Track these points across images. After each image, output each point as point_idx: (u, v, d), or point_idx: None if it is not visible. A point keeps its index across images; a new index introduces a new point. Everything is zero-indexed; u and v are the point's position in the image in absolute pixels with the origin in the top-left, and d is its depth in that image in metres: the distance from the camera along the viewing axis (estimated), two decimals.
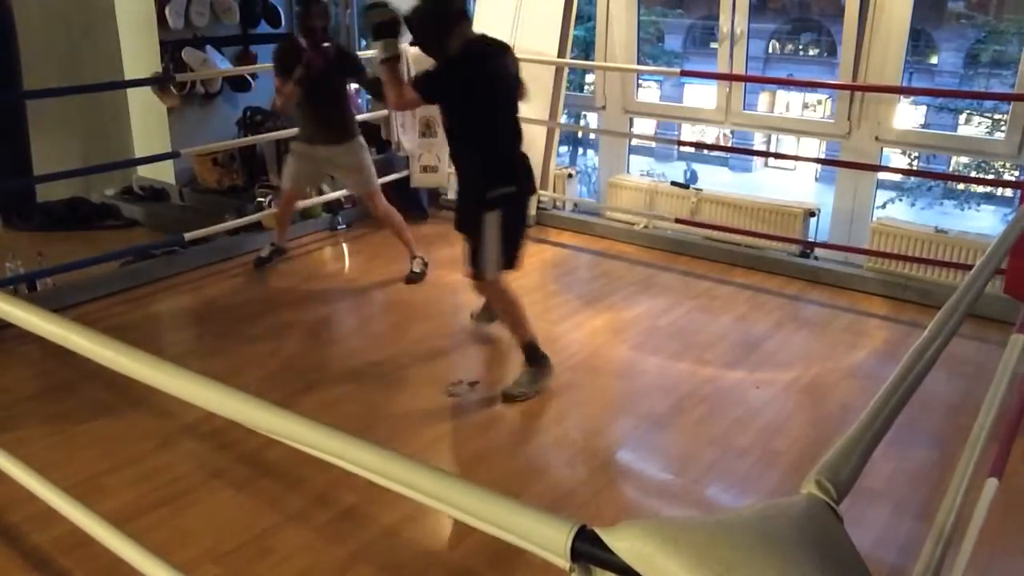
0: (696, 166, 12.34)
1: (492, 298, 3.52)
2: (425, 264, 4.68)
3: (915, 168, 8.85)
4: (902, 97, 4.79)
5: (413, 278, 4.60)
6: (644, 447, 3.20)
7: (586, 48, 7.34)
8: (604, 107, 5.54)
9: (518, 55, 5.39)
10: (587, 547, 0.94)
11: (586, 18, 6.65)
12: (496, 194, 3.26)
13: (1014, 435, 2.55)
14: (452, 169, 5.76)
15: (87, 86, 5.21)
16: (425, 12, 3.24)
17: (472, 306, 4.06)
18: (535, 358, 3.41)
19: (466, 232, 3.38)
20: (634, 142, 6.18)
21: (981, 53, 10.53)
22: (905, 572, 2.41)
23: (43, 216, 5.30)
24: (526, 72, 5.42)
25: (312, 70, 4.22)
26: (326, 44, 4.34)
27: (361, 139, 4.53)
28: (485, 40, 3.35)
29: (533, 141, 5.48)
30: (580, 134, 10.30)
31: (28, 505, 2.25)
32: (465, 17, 3.30)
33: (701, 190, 5.16)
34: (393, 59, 3.33)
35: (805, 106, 13.11)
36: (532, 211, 5.11)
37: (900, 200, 9.87)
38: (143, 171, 5.69)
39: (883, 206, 9.20)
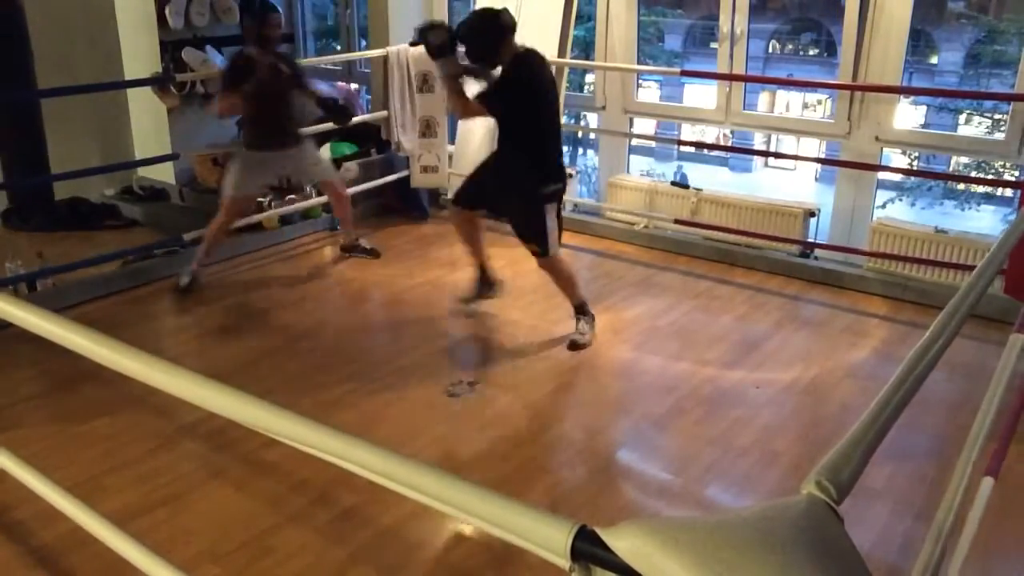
0: (695, 166, 12.34)
1: (557, 270, 3.91)
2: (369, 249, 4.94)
3: (915, 168, 8.86)
4: (902, 97, 4.79)
5: (354, 248, 4.95)
6: (644, 447, 3.20)
7: (586, 48, 7.34)
8: (604, 107, 5.54)
9: None
10: (587, 547, 0.94)
11: (586, 18, 6.65)
12: (550, 190, 3.73)
13: (1011, 435, 2.56)
14: (452, 169, 5.78)
15: (87, 86, 5.21)
16: (479, 26, 3.65)
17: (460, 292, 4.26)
18: (587, 312, 3.94)
19: (522, 221, 3.83)
20: (634, 142, 6.18)
21: (981, 53, 10.53)
22: (905, 571, 2.41)
23: (43, 216, 5.30)
24: None
25: (268, 81, 4.24)
26: (279, 53, 4.40)
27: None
28: (530, 51, 3.69)
29: None
30: (580, 134, 10.30)
31: (33, 503, 2.25)
32: (513, 30, 3.64)
33: (701, 190, 5.16)
34: (455, 75, 3.71)
35: (805, 106, 13.12)
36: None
37: (900, 200, 9.87)
38: (143, 171, 5.69)
39: (883, 206, 9.20)
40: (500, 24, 3.59)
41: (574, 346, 3.84)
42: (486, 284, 4.20)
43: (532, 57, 3.67)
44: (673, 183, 5.25)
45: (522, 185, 3.73)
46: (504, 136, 3.77)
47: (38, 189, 5.26)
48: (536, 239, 3.79)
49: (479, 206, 4.00)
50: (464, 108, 3.71)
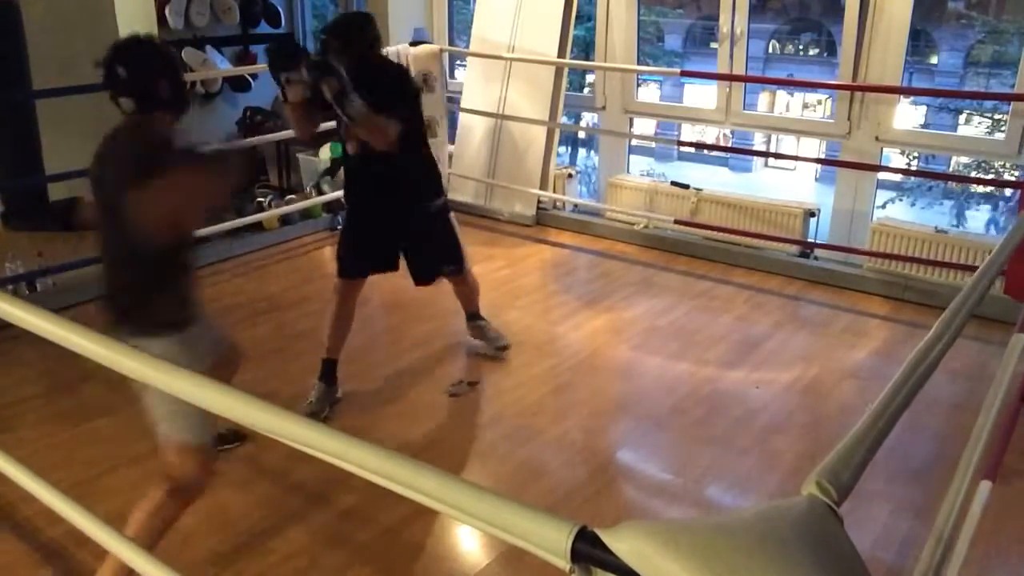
0: (695, 166, 12.33)
1: (469, 282, 3.68)
2: None
3: (915, 168, 8.84)
4: (902, 97, 4.79)
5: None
6: (644, 447, 3.20)
7: (586, 48, 7.33)
8: (604, 107, 5.54)
9: (518, 55, 5.42)
10: (587, 548, 0.93)
11: (586, 18, 6.64)
12: (444, 196, 3.53)
13: (1008, 437, 2.56)
14: (452, 169, 5.78)
15: (87, 86, 5.18)
16: (359, 18, 3.29)
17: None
18: (481, 317, 3.79)
19: (438, 243, 3.47)
20: (634, 142, 6.17)
21: (981, 53, 10.52)
22: (905, 572, 2.41)
23: (43, 216, 5.30)
24: (527, 72, 5.45)
25: None
26: None
27: None
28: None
29: (533, 141, 5.49)
30: (580, 134, 10.29)
31: (37, 500, 2.25)
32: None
33: (701, 190, 5.15)
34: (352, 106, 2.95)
35: (805, 106, 13.10)
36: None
37: (900, 200, 9.86)
38: None
39: (883, 206, 9.18)
40: (372, 19, 3.25)
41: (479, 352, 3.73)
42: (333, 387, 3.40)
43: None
44: (674, 183, 5.25)
45: (429, 201, 3.38)
46: (403, 148, 3.11)
47: (32, 190, 5.25)
48: (452, 256, 3.49)
49: (377, 267, 3.45)
50: (386, 135, 3.00)
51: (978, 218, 9.97)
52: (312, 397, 3.29)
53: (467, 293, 3.74)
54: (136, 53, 2.20)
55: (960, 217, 9.79)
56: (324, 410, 3.27)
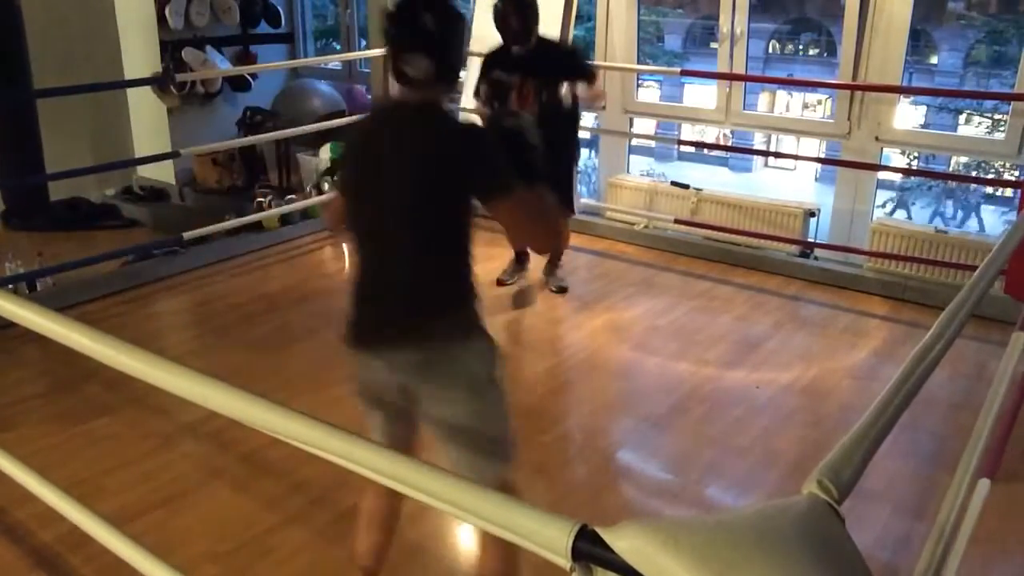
0: (695, 166, 12.33)
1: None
2: None
3: (915, 168, 8.84)
4: (902, 97, 4.79)
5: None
6: (644, 447, 3.20)
7: (586, 48, 7.33)
8: (604, 107, 5.53)
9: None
10: (588, 546, 0.94)
11: (586, 18, 6.64)
12: None
13: (1007, 436, 2.56)
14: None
15: (87, 86, 5.21)
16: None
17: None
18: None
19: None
20: (634, 142, 6.17)
21: (981, 53, 10.53)
22: (905, 571, 2.41)
23: (43, 216, 5.30)
24: None
25: None
26: None
27: None
28: None
29: None
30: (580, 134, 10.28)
31: (33, 503, 2.25)
32: None
33: (701, 190, 5.16)
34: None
35: (805, 106, 13.10)
36: None
37: (900, 208, 9.89)
38: (143, 171, 5.69)
39: (883, 205, 9.18)
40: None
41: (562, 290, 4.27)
42: None
43: None
44: (674, 183, 5.25)
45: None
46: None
47: (34, 189, 5.25)
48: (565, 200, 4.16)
49: None
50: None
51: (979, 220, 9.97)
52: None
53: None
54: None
55: (964, 220, 9.80)
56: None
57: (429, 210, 1.78)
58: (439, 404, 1.84)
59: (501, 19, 3.94)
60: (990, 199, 10.06)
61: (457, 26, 1.78)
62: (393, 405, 1.92)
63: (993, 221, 9.74)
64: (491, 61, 4.07)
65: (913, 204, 10.16)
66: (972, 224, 9.75)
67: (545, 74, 3.95)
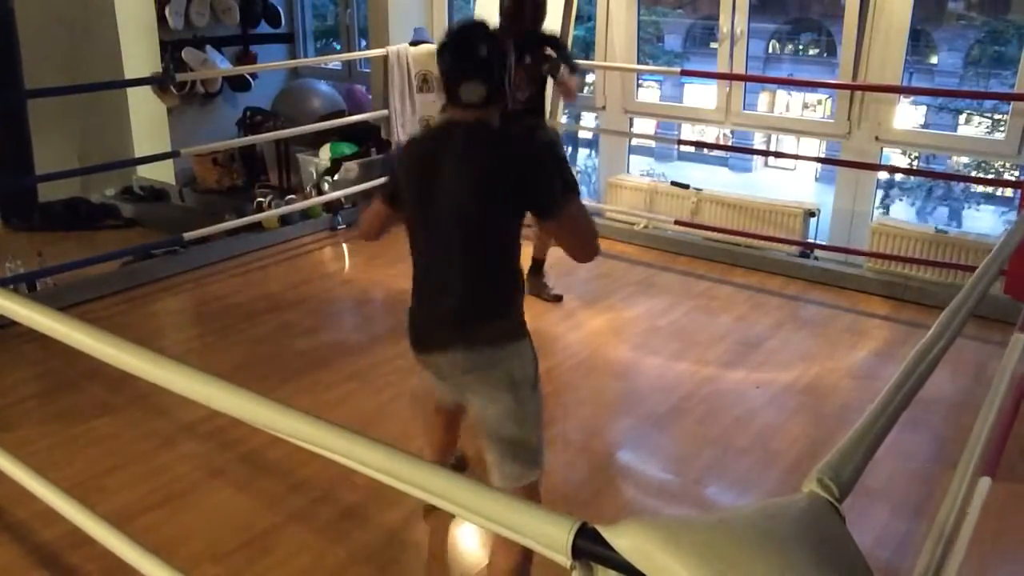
0: (695, 166, 12.33)
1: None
2: None
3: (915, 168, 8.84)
4: (902, 97, 4.79)
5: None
6: (644, 447, 3.20)
7: (586, 48, 7.33)
8: (604, 107, 5.54)
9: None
10: (588, 544, 0.94)
11: (586, 18, 6.64)
12: None
13: (1007, 435, 2.56)
14: None
15: (87, 85, 5.21)
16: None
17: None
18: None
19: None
20: (634, 142, 6.17)
21: (981, 53, 10.52)
22: (905, 571, 2.41)
23: (43, 216, 5.30)
24: None
25: None
26: None
27: None
28: None
29: None
30: (580, 134, 10.28)
31: (33, 502, 2.25)
32: None
33: (701, 190, 5.16)
34: None
35: (805, 106, 13.09)
36: None
37: (901, 200, 9.86)
38: (143, 171, 5.69)
39: (883, 206, 9.16)
40: None
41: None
42: None
43: None
44: (674, 183, 5.25)
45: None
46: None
47: (25, 190, 5.25)
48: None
49: None
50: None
51: (980, 218, 9.96)
52: None
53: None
54: (492, 36, 1.98)
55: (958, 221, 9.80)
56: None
57: (486, 225, 1.95)
58: (485, 403, 1.98)
59: (516, 6, 3.77)
60: (990, 199, 10.06)
61: (505, 56, 1.97)
62: (442, 384, 2.15)
63: (980, 221, 9.74)
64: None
65: (912, 204, 10.16)
66: (968, 224, 9.74)
67: (537, 62, 3.86)
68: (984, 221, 9.85)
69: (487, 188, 1.92)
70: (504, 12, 3.80)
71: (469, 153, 1.93)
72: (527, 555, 1.94)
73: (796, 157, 9.03)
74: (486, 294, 2.00)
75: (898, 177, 9.34)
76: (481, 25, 2.01)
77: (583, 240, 2.06)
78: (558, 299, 4.36)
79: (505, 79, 1.98)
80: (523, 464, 1.98)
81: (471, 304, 1.99)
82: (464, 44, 1.95)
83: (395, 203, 2.11)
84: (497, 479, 1.98)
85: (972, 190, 10.08)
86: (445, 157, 1.94)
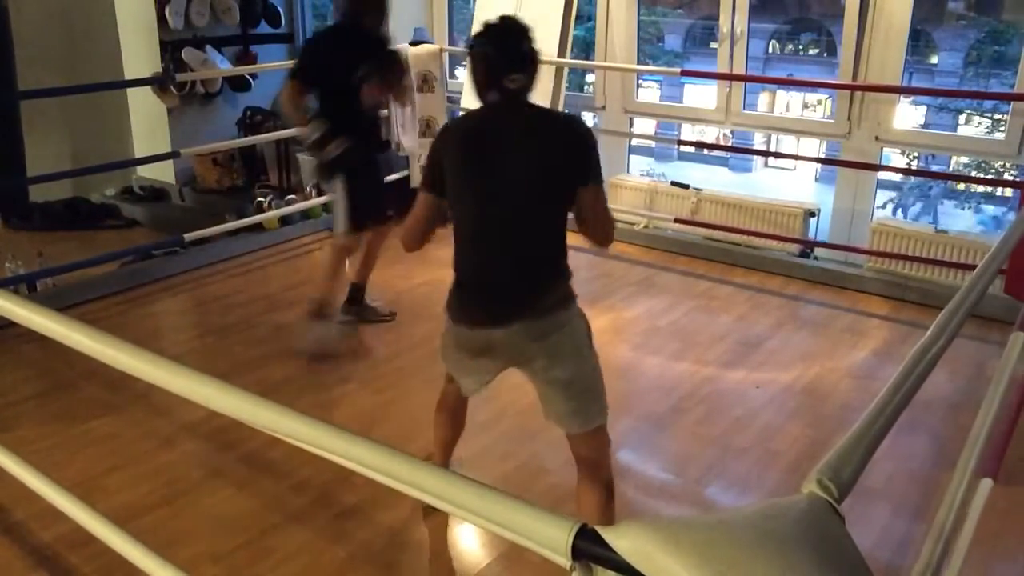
0: (695, 166, 12.33)
1: (329, 254, 3.96)
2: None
3: (915, 168, 8.85)
4: (902, 97, 4.79)
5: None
6: (644, 447, 3.20)
7: (586, 48, 7.33)
8: (604, 107, 5.54)
9: None
10: (588, 545, 0.94)
11: (586, 18, 6.64)
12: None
13: (1009, 435, 2.56)
14: None
15: (87, 86, 5.21)
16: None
17: None
18: (324, 314, 3.80)
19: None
20: (634, 142, 6.17)
21: (981, 53, 10.53)
22: (905, 571, 2.41)
23: (43, 216, 5.30)
24: None
25: None
26: None
27: None
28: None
29: None
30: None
31: (32, 503, 2.25)
32: None
33: (701, 190, 5.16)
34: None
35: (805, 106, 13.10)
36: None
37: (899, 206, 9.90)
38: (143, 171, 5.69)
39: (883, 206, 9.17)
40: None
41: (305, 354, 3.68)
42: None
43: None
44: (674, 183, 5.25)
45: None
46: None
47: (17, 190, 5.25)
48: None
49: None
50: None
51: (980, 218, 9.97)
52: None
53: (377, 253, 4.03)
54: (528, 31, 2.20)
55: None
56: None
57: (550, 193, 2.13)
58: (554, 365, 2.16)
59: (370, 5, 3.59)
60: (989, 199, 10.07)
61: (537, 50, 2.19)
62: (485, 360, 2.25)
63: (950, 218, 9.75)
64: (347, 43, 3.62)
65: (913, 204, 10.17)
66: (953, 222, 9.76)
67: (388, 62, 3.73)
68: (963, 221, 9.86)
69: (552, 158, 2.11)
70: (361, 6, 3.59)
71: (534, 128, 2.14)
72: (610, 490, 2.26)
73: (796, 157, 9.04)
74: (551, 260, 2.18)
75: (897, 178, 9.35)
76: (518, 21, 2.20)
77: (608, 218, 2.22)
78: (393, 315, 4.15)
79: (537, 70, 2.18)
80: (598, 409, 2.25)
81: (540, 271, 2.16)
82: (510, 40, 2.15)
83: (430, 190, 2.22)
84: (576, 426, 2.23)
85: (972, 190, 10.08)
86: (507, 133, 2.13)
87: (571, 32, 5.33)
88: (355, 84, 3.53)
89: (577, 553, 0.94)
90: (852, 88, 4.56)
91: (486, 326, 2.16)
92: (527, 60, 2.15)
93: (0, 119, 5.15)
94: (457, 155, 2.15)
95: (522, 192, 2.10)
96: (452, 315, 2.24)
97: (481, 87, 2.16)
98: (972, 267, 4.09)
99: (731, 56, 4.94)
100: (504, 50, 2.14)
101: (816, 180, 12.28)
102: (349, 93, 3.54)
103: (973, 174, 7.74)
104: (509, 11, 5.73)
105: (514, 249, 2.14)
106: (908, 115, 8.35)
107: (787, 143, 9.24)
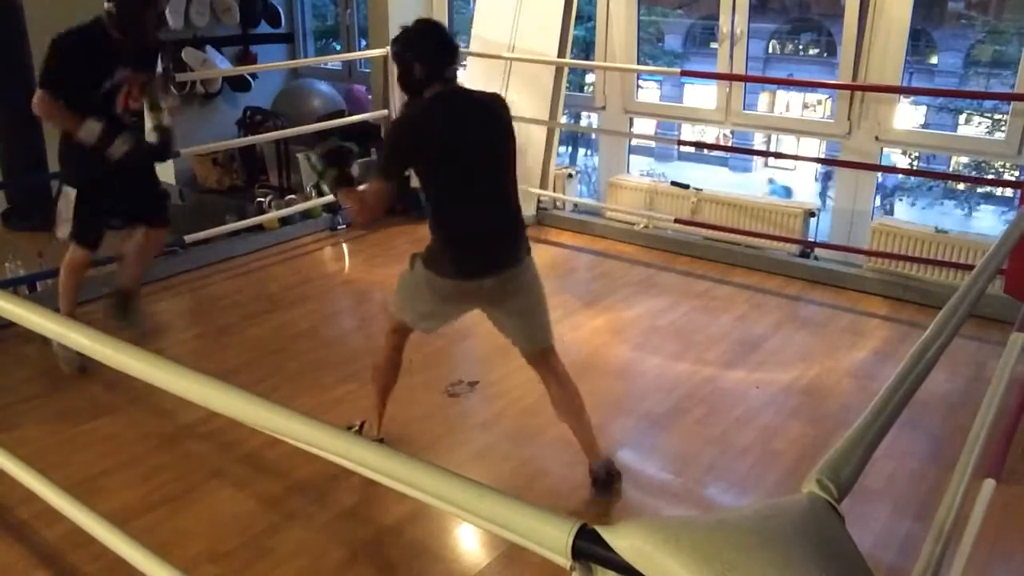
0: (695, 166, 12.33)
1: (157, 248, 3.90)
2: None
3: (915, 168, 8.84)
4: (902, 97, 4.79)
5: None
6: (644, 447, 3.20)
7: (586, 48, 7.33)
8: (604, 107, 5.54)
9: (518, 55, 5.42)
10: (588, 545, 0.94)
11: (586, 18, 6.64)
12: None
13: (1012, 435, 2.56)
14: None
15: None
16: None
17: None
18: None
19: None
20: (634, 142, 6.17)
21: (981, 53, 10.52)
22: (905, 572, 2.41)
23: (43, 216, 5.30)
24: (527, 72, 5.45)
25: None
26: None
27: None
28: None
29: (533, 141, 5.49)
30: (580, 134, 10.29)
31: (34, 502, 2.25)
32: None
33: (701, 190, 5.16)
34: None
35: (805, 106, 13.08)
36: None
37: (900, 200, 9.87)
38: None
39: (883, 206, 9.15)
40: None
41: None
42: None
43: None
44: (674, 183, 5.25)
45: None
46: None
47: (36, 189, 5.25)
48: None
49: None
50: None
51: (980, 218, 9.96)
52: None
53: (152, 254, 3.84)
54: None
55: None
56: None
57: (510, 158, 2.63)
58: (522, 299, 2.65)
59: (139, 9, 3.35)
60: (989, 199, 10.06)
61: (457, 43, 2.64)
62: (463, 304, 2.70)
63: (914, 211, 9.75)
64: (102, 50, 3.46)
65: (913, 204, 10.16)
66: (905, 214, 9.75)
67: (150, 68, 3.53)
68: (984, 221, 9.86)
69: (506, 130, 2.59)
70: (123, 17, 3.39)
71: (484, 106, 2.59)
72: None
73: (796, 158, 9.03)
74: (519, 215, 2.66)
75: (897, 177, 9.34)
76: (435, 20, 2.69)
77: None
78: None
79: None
80: (549, 330, 2.74)
81: (518, 225, 2.64)
82: (450, 39, 2.57)
83: (393, 178, 2.55)
84: (539, 341, 2.73)
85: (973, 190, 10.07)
86: (471, 113, 2.53)
87: (571, 32, 5.33)
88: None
89: (577, 553, 0.94)
90: (852, 88, 4.56)
91: (479, 277, 2.56)
92: (457, 51, 2.56)
93: (19, 120, 5.14)
94: (440, 139, 2.49)
95: (496, 161, 2.57)
96: (438, 270, 2.57)
97: (422, 83, 2.50)
98: (972, 267, 4.09)
99: (731, 56, 4.94)
100: (441, 46, 2.53)
101: (816, 180, 12.29)
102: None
103: (973, 174, 7.74)
104: (509, 11, 5.76)
105: (500, 210, 2.60)
106: (908, 115, 8.35)
107: (787, 143, 9.25)
